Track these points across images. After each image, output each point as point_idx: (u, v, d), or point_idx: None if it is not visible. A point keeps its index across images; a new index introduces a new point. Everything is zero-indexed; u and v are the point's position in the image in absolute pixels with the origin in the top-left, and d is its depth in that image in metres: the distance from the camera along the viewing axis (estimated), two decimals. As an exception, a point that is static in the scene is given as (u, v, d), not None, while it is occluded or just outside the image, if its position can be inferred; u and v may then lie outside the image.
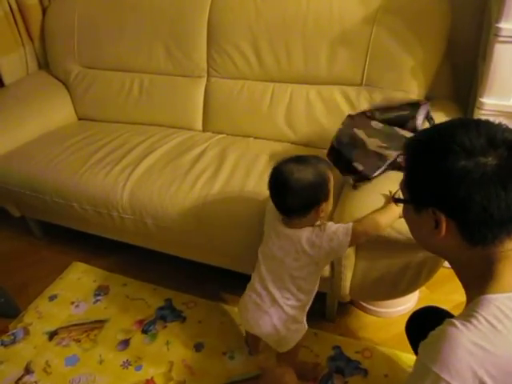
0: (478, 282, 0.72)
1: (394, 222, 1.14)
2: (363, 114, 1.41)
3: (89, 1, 2.10)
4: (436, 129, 0.79)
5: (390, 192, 1.19)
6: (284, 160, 1.16)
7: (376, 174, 1.23)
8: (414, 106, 1.37)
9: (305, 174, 1.11)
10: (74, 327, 1.66)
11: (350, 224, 1.14)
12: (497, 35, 1.30)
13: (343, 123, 1.38)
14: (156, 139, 1.84)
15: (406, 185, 0.81)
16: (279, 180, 1.14)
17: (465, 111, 1.65)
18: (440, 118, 1.52)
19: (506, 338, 0.65)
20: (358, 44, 1.61)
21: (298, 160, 1.15)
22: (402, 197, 0.86)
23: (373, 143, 1.26)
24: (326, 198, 1.14)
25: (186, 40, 1.91)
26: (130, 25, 2.00)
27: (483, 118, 1.43)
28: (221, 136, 1.85)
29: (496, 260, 0.71)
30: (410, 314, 1.22)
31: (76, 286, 1.83)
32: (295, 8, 1.70)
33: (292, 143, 1.75)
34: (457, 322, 0.67)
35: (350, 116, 1.40)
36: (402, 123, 1.32)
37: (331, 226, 1.15)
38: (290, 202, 1.13)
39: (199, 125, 1.94)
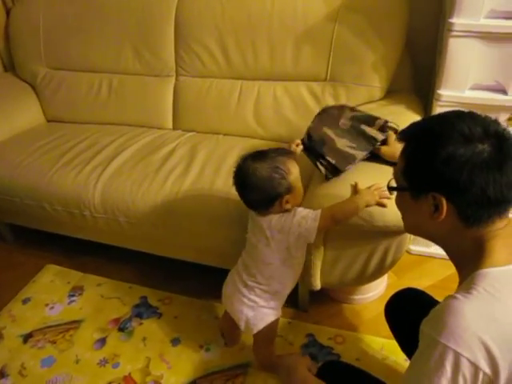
0: (471, 261, 0.78)
1: (360, 211, 1.18)
2: (333, 108, 1.43)
3: (53, 1, 2.09)
4: (434, 118, 0.83)
5: (356, 183, 1.25)
6: (243, 157, 1.20)
7: (347, 168, 1.27)
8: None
9: (260, 171, 1.14)
10: (49, 329, 1.65)
11: (319, 210, 1.17)
12: (450, 30, 1.37)
13: (313, 121, 1.41)
14: (126, 138, 1.85)
15: (404, 172, 0.83)
16: (238, 178, 1.19)
17: (425, 103, 1.72)
18: (401, 110, 1.58)
19: (505, 304, 0.70)
20: (322, 41, 1.66)
21: (256, 156, 1.18)
22: (394, 185, 0.88)
23: (342, 143, 1.30)
24: (287, 191, 1.16)
25: (154, 40, 1.92)
26: (97, 25, 2.00)
27: (440, 109, 1.51)
28: (191, 134, 1.88)
29: (487, 239, 0.77)
30: (387, 298, 1.27)
31: (50, 289, 1.82)
32: (260, 6, 1.74)
33: (261, 139, 1.79)
34: (457, 295, 0.72)
35: (319, 114, 1.43)
36: (370, 121, 1.36)
37: (301, 212, 1.18)
38: (251, 198, 1.19)
39: (169, 123, 1.96)
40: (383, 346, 1.47)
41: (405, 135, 0.85)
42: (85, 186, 1.61)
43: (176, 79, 1.94)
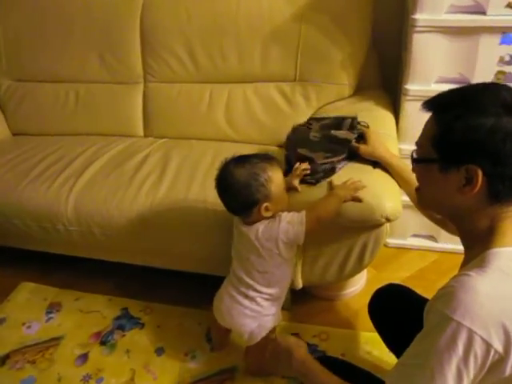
0: (482, 240, 0.77)
1: (340, 206, 1.18)
2: (302, 126, 1.51)
3: (13, 12, 2.03)
4: (472, 87, 0.80)
5: (331, 180, 1.26)
6: (226, 161, 1.18)
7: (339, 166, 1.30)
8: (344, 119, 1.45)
9: (238, 177, 1.13)
10: (28, 348, 1.60)
11: (303, 212, 1.16)
12: (413, 26, 1.41)
13: (286, 147, 1.46)
14: (97, 148, 1.81)
15: (436, 143, 0.79)
16: (218, 182, 1.19)
17: (394, 99, 1.75)
18: (371, 106, 1.61)
19: None
20: (289, 41, 1.67)
21: (238, 161, 1.17)
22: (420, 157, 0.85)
23: (319, 157, 1.33)
24: (266, 199, 1.14)
25: (120, 46, 1.90)
26: (60, 34, 1.96)
27: (408, 103, 1.55)
28: (163, 140, 1.86)
29: (503, 218, 0.77)
30: (367, 292, 1.30)
31: (26, 307, 1.76)
32: (226, 9, 1.74)
33: (234, 142, 1.78)
34: (471, 273, 0.71)
35: (288, 137, 1.48)
36: (338, 124, 1.40)
37: (285, 217, 1.17)
38: (229, 203, 1.19)
39: (140, 131, 1.94)
40: (367, 340, 1.49)
41: (439, 103, 0.80)
42: (57, 199, 1.57)
43: (145, 86, 1.92)
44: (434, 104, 0.81)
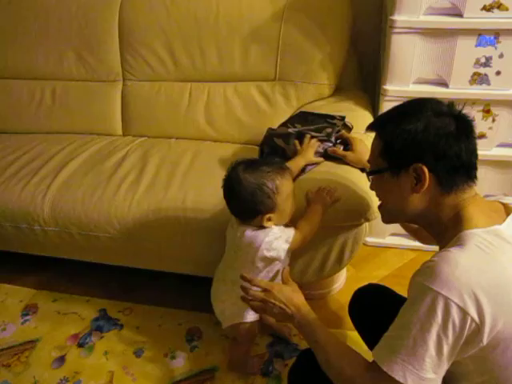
0: (452, 227, 0.84)
1: (321, 218, 1.19)
2: (284, 125, 1.52)
3: (-14, 7, 1.98)
4: (402, 105, 0.92)
5: (307, 192, 1.24)
6: (237, 162, 1.14)
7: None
8: (333, 118, 1.46)
9: (245, 184, 1.09)
10: (2, 352, 1.56)
11: (292, 232, 1.15)
12: (392, 27, 1.42)
13: (265, 135, 1.49)
14: (74, 147, 1.78)
15: (383, 153, 0.89)
16: (225, 184, 1.15)
17: (372, 98, 1.77)
18: (350, 106, 1.63)
19: (494, 258, 0.76)
20: (269, 41, 1.67)
21: (248, 165, 1.12)
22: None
23: (291, 149, 1.36)
24: (270, 210, 1.11)
25: (98, 44, 1.87)
26: (35, 30, 1.91)
27: (387, 103, 1.56)
28: (142, 139, 1.84)
29: (464, 206, 0.84)
30: (347, 291, 1.31)
31: (0, 309, 1.72)
32: (205, 8, 1.73)
33: (213, 141, 1.77)
34: (451, 249, 0.77)
35: (270, 128, 1.51)
36: (318, 130, 1.41)
37: (274, 233, 1.14)
38: (232, 207, 1.17)
39: (119, 129, 1.91)
40: (346, 338, 1.50)
41: (378, 123, 0.93)
42: (33, 199, 1.54)
43: (123, 84, 1.89)
44: (375, 125, 0.93)
